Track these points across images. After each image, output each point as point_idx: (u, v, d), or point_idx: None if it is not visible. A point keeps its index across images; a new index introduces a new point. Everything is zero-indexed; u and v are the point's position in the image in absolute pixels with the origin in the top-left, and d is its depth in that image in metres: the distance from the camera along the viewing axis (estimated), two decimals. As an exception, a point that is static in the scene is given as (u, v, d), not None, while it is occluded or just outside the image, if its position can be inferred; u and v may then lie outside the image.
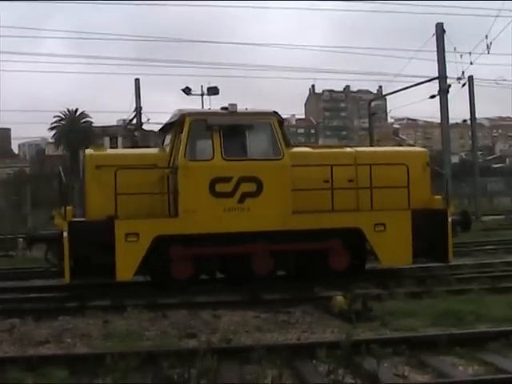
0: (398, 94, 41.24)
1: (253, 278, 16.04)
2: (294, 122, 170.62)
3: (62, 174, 16.53)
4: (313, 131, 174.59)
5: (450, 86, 31.90)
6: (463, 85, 34.95)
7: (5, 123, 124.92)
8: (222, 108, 16.74)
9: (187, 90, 43.53)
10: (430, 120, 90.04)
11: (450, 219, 16.78)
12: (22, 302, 14.97)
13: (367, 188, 16.51)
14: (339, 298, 12.50)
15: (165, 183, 16.03)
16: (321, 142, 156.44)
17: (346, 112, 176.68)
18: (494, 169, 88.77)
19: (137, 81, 43.23)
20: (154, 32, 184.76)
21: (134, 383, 8.04)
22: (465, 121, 50.13)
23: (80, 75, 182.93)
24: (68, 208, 15.20)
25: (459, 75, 33.50)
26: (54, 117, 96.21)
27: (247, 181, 15.83)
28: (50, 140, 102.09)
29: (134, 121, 43.28)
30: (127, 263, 15.16)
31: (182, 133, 16.06)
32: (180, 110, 16.70)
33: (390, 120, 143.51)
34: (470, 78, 39.45)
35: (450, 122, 38.45)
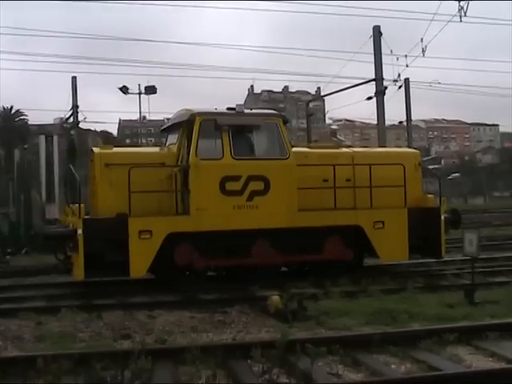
0: (336, 95, 41.42)
1: (257, 274, 16.48)
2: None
3: (74, 171, 16.75)
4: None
5: (386, 87, 32.22)
6: (399, 87, 35.30)
7: None
8: (228, 108, 17.06)
9: (124, 89, 43.21)
10: (367, 121, 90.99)
11: (442, 217, 17.66)
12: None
13: (367, 187, 17.24)
14: (275, 298, 12.51)
15: (172, 181, 16.36)
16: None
17: (285, 112, 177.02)
18: (429, 170, 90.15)
19: (74, 79, 42.62)
20: (91, 30, 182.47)
21: (66, 385, 7.92)
22: (401, 122, 50.62)
23: (16, 72, 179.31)
24: (81, 205, 15.40)
25: (395, 77, 33.93)
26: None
27: (255, 179, 16.34)
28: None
29: (71, 119, 42.77)
30: (140, 260, 15.36)
31: (190, 132, 16.39)
32: (188, 110, 16.98)
33: (328, 121, 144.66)
34: (406, 81, 39.87)
35: (387, 123, 38.94)
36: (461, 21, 26.53)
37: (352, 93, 37.77)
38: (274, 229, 16.44)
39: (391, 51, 32.34)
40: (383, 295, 13.82)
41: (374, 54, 31.84)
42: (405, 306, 12.31)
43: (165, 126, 19.10)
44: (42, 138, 28.64)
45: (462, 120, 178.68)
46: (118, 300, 14.47)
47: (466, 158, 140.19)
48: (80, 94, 40.51)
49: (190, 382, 8.09)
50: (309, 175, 16.91)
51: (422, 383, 7.85)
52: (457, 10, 26.27)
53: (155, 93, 44.26)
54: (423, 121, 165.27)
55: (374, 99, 32.46)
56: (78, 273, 15.24)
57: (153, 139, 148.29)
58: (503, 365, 8.67)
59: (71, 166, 17.71)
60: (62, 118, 41.21)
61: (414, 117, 45.60)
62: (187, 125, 16.60)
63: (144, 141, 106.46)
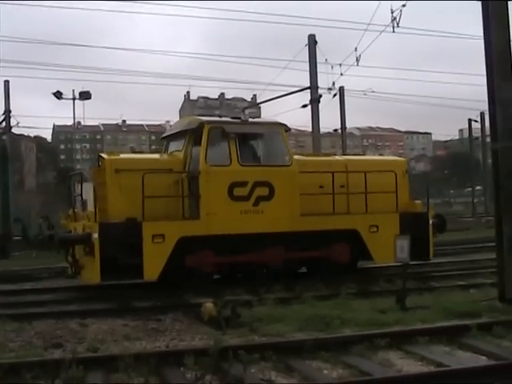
0: (271, 102, 41.71)
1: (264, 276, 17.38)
2: (168, 128, 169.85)
3: (91, 176, 17.23)
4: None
5: (321, 95, 32.50)
6: (334, 95, 35.75)
7: None
8: (233, 117, 18.25)
9: (58, 94, 42.63)
10: (302, 128, 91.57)
11: (430, 221, 18.98)
12: None
13: (361, 193, 18.23)
14: (209, 305, 12.49)
15: (179, 187, 16.92)
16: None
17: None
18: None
19: (6, 83, 41.92)
20: (24, 34, 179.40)
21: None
22: (336, 130, 51.43)
23: None
24: (100, 209, 15.94)
25: (330, 86, 34.33)
26: None
27: (261, 185, 17.18)
28: None
29: (3, 124, 42.04)
30: (154, 263, 15.87)
31: (197, 139, 17.06)
32: (196, 119, 17.91)
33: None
34: (341, 89, 40.47)
35: (322, 131, 39.37)
36: (394, 31, 26.89)
37: (287, 100, 38.10)
38: (277, 232, 17.23)
39: (326, 60, 32.70)
40: (317, 301, 13.90)
41: (309, 63, 32.07)
42: (338, 311, 12.39)
43: (167, 134, 19.75)
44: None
45: (395, 128, 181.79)
46: (50, 308, 14.27)
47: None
48: (12, 99, 39.86)
49: (122, 389, 8.04)
50: (306, 182, 17.71)
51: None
52: (390, 20, 26.54)
53: (90, 98, 43.81)
54: (358, 129, 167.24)
55: (309, 107, 32.72)
56: (94, 276, 15.59)
57: (87, 145, 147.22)
58: (432, 368, 8.83)
59: (87, 172, 18.10)
60: (-7, 123, 40.41)
61: (348, 125, 46.30)
62: (195, 132, 17.25)
63: (78, 146, 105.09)
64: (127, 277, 16.16)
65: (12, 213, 33.62)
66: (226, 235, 16.74)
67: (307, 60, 32.20)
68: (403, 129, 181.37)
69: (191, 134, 17.45)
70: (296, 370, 8.81)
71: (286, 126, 18.40)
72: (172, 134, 18.89)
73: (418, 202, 19.93)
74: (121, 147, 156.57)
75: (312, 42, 32.13)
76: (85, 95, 43.55)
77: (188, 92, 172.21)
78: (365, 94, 45.04)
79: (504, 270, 13.12)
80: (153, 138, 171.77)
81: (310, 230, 17.53)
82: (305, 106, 33.66)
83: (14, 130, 42.63)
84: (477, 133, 57.99)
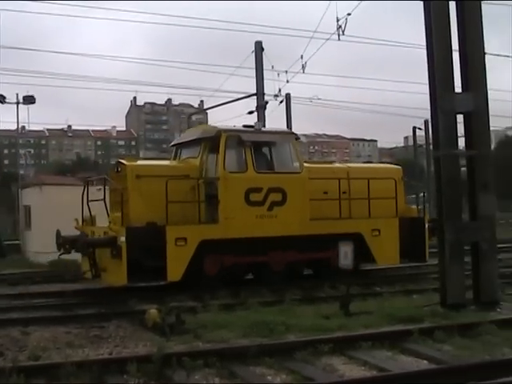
0: (218, 108, 41.78)
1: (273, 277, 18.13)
2: (114, 134, 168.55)
3: (112, 181, 17.53)
4: (133, 143, 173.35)
5: (267, 102, 32.65)
6: (280, 102, 35.91)
7: None
8: (245, 126, 18.82)
9: (1, 98, 41.86)
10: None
11: (426, 225, 19.98)
12: None
13: (363, 199, 19.10)
14: (153, 312, 12.42)
15: (195, 192, 17.51)
16: (141, 154, 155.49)
17: (168, 125, 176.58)
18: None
19: None
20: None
21: None
22: (282, 137, 51.44)
23: None
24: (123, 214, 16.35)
25: (276, 92, 34.54)
26: None
27: (274, 191, 18.02)
28: None
29: None
30: (177, 265, 16.51)
31: (214, 147, 17.75)
32: (213, 127, 18.72)
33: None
34: (287, 96, 40.62)
35: (268, 137, 39.38)
36: (339, 39, 27.07)
37: (234, 106, 38.08)
38: (288, 236, 17.96)
39: (272, 67, 32.91)
40: (261, 307, 13.96)
41: (256, 69, 32.17)
42: (282, 317, 12.42)
43: (179, 142, 20.18)
44: None
45: (342, 135, 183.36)
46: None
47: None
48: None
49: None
50: (313, 188, 18.56)
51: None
52: (335, 28, 26.71)
53: (34, 103, 43.05)
54: (304, 135, 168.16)
55: (256, 113, 32.81)
56: (120, 278, 15.98)
57: (32, 150, 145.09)
58: (374, 373, 8.93)
59: (109, 177, 18.15)
60: None
61: (295, 131, 46.45)
62: (211, 140, 17.91)
63: (22, 151, 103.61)
64: (151, 279, 16.83)
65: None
66: (243, 238, 17.43)
67: (254, 67, 32.31)
68: (349, 136, 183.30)
69: (207, 142, 18.11)
70: (239, 377, 8.81)
71: (296, 134, 19.69)
72: (184, 142, 19.45)
73: (413, 207, 21.40)
74: (66, 153, 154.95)
75: (259, 48, 32.22)
76: (29, 99, 42.79)
77: (134, 97, 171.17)
78: (311, 101, 45.43)
79: (446, 276, 13.35)
80: (99, 143, 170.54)
81: (318, 233, 18.32)
82: (251, 112, 33.75)
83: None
84: (421, 140, 58.67)
